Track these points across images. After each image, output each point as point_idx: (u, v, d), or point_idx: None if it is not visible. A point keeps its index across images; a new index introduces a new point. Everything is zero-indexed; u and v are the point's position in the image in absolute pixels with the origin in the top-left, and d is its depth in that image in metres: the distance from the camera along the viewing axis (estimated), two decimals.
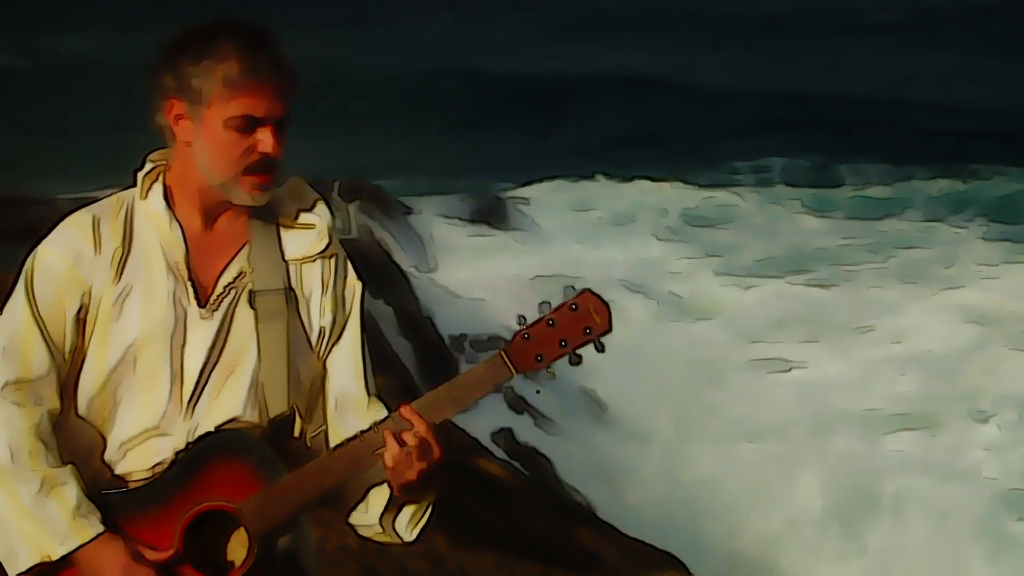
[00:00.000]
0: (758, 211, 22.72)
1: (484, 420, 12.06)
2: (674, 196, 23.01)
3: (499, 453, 11.20)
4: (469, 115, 28.58)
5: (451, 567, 7.04)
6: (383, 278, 14.05)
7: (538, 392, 13.37)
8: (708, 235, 21.20)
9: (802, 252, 20.39)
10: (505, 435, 12.07)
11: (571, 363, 2.86)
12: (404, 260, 16.21)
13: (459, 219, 18.93)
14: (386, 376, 8.47)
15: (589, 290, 2.84)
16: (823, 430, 14.86)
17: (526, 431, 12.39)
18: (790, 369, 16.24)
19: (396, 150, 25.14)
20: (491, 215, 19.32)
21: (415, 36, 37.25)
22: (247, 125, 2.79)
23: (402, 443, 2.77)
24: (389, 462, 2.78)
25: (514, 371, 2.82)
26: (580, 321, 2.82)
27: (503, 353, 2.81)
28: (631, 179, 23.36)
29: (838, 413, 15.40)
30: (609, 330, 2.82)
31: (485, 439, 11.34)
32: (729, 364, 16.43)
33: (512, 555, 7.59)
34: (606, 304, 2.83)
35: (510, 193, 21.85)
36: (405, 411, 2.80)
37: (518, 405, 12.83)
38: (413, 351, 12.44)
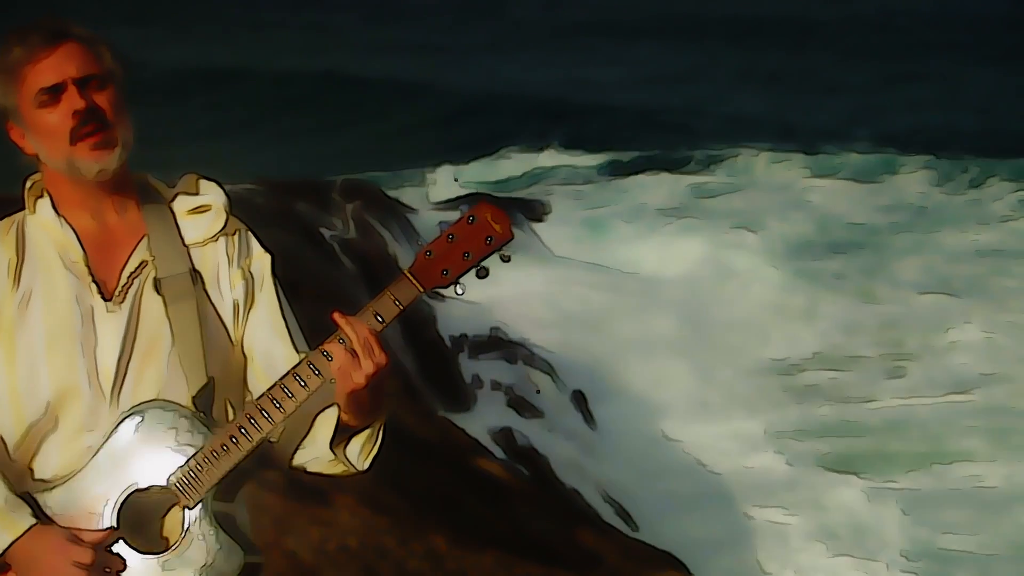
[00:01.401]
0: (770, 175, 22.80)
1: (484, 420, 12.06)
2: (673, 181, 23.00)
3: (499, 453, 11.20)
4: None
5: (451, 567, 7.03)
6: (383, 278, 14.04)
7: (538, 392, 13.38)
8: (727, 216, 21.07)
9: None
10: (505, 435, 12.06)
11: (478, 276, 2.82)
12: (404, 261, 16.21)
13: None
14: None
15: (484, 200, 2.84)
16: None
17: (526, 431, 12.38)
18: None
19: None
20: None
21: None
22: (50, 98, 2.85)
23: (350, 351, 2.78)
24: (336, 367, 2.78)
25: (421, 288, 2.81)
26: (480, 231, 2.79)
27: (408, 272, 2.81)
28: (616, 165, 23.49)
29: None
30: (511, 237, 2.79)
31: (485, 439, 11.34)
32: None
33: (512, 555, 7.58)
34: (504, 212, 2.80)
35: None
36: (339, 317, 2.81)
37: (518, 405, 12.82)
38: (413, 351, 12.44)
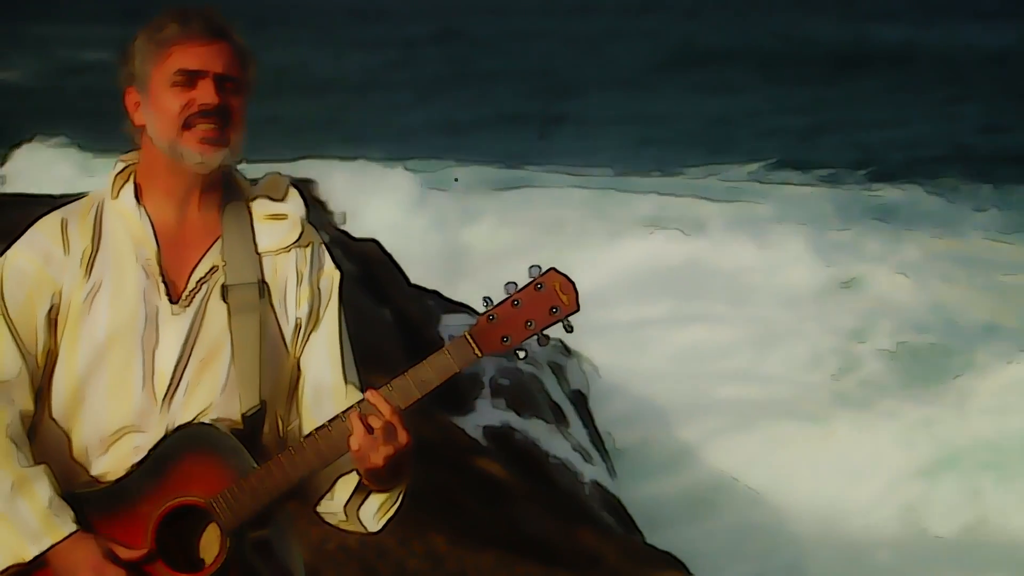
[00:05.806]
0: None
1: (484, 419, 12.06)
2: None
3: (499, 453, 11.19)
4: None
5: (451, 567, 7.03)
6: (383, 279, 14.04)
7: (538, 391, 13.37)
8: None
9: None
10: (505, 434, 12.07)
11: (539, 344, 2.80)
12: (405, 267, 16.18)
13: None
14: (385, 377, 8.44)
15: (554, 269, 2.78)
16: None
17: (526, 430, 12.39)
18: None
19: None
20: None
21: None
22: (186, 80, 2.82)
23: (368, 427, 2.76)
24: (355, 446, 2.76)
25: (480, 353, 2.77)
26: (545, 301, 2.75)
27: (468, 335, 2.77)
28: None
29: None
30: (576, 309, 2.76)
31: (485, 439, 11.33)
32: None
33: (512, 555, 7.57)
34: (572, 283, 2.76)
35: None
36: (371, 395, 2.78)
37: (518, 405, 12.82)
38: (413, 351, 12.43)
